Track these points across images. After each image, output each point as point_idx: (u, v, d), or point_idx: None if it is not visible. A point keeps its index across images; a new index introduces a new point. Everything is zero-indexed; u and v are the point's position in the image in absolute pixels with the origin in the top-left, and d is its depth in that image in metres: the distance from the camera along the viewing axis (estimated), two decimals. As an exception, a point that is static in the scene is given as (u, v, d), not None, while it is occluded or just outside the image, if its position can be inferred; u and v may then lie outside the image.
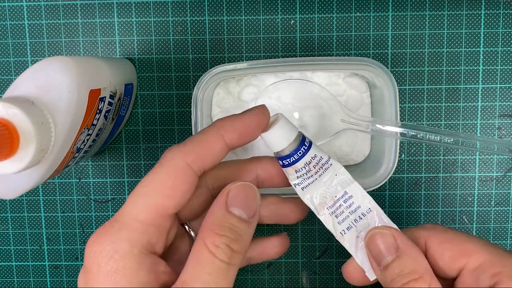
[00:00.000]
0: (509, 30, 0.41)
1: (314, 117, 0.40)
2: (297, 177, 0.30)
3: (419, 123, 0.42)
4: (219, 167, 0.31)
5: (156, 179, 0.26)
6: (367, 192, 0.30)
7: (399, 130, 0.36)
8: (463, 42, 0.41)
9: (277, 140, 0.30)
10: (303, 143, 0.30)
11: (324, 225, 0.30)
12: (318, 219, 0.30)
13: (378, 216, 0.30)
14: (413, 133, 0.35)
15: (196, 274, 0.24)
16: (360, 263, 0.30)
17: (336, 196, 0.30)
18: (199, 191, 0.30)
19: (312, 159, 0.30)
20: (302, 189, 0.31)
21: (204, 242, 0.25)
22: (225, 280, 0.24)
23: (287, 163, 0.30)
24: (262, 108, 0.29)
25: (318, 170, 0.31)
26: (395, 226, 0.29)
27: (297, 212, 0.33)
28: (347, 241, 0.30)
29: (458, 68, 0.42)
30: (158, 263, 0.26)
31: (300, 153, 0.30)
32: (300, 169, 0.30)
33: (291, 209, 0.33)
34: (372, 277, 0.29)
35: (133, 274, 0.25)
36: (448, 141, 0.35)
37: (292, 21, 0.42)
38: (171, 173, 0.26)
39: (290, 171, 0.30)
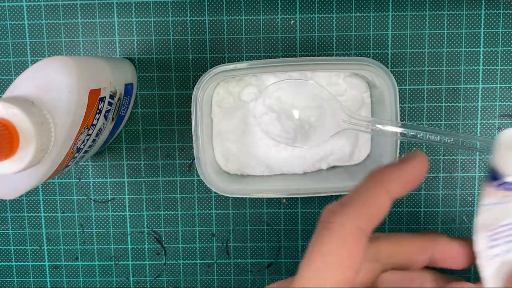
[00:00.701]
0: (509, 30, 0.41)
1: (314, 117, 0.40)
2: (503, 197, 0.25)
3: (419, 123, 0.42)
4: (393, 241, 0.29)
5: (330, 250, 0.24)
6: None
7: (399, 130, 0.36)
8: (463, 42, 0.41)
9: None
10: None
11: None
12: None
13: None
14: (413, 133, 0.35)
15: None
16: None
17: (503, 223, 0.26)
18: (371, 265, 0.28)
19: None
20: (487, 209, 0.26)
21: None
22: None
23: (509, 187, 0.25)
24: (423, 157, 0.26)
25: None
26: None
27: (465, 255, 0.29)
28: (489, 268, 0.27)
29: (458, 68, 0.42)
30: None
31: None
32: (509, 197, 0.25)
33: (459, 252, 0.29)
34: None
35: None
36: (448, 141, 0.35)
37: (292, 21, 0.42)
38: (345, 241, 0.24)
39: (495, 193, 0.25)
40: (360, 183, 0.26)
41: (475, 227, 0.26)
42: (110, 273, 0.45)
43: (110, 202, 0.44)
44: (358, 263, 0.24)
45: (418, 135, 0.35)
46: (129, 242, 0.45)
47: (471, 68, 0.42)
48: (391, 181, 0.25)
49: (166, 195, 0.44)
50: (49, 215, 0.44)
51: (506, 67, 0.42)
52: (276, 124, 0.39)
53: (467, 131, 0.42)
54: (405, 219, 0.44)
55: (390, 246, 0.28)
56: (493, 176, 0.24)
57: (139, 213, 0.44)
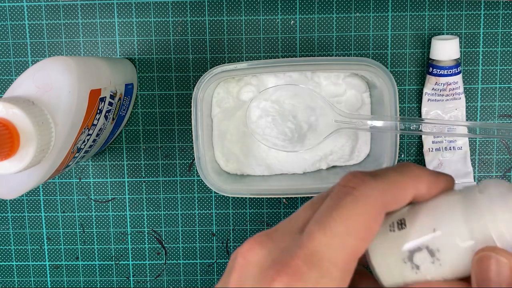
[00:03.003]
0: (509, 30, 0.41)
1: (310, 118, 0.40)
2: (432, 89, 0.39)
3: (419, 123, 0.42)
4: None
5: (351, 217, 0.23)
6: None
7: (393, 123, 0.36)
8: (463, 42, 0.41)
9: (448, 52, 0.37)
10: (457, 67, 0.37)
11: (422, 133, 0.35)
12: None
13: (463, 156, 0.39)
14: (402, 127, 0.36)
15: None
16: None
17: (445, 119, 0.38)
18: None
19: (453, 83, 0.37)
20: (428, 100, 0.39)
21: None
22: None
23: (436, 73, 0.38)
24: (452, 177, 0.26)
25: (449, 95, 0.38)
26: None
27: None
28: (430, 157, 0.40)
29: (457, 68, 0.42)
30: None
31: (450, 71, 0.36)
32: (439, 85, 0.37)
33: None
34: None
35: None
36: (433, 130, 0.36)
37: (292, 21, 0.42)
38: (367, 212, 0.23)
39: (431, 80, 0.39)
40: (395, 168, 0.25)
41: (422, 114, 0.39)
42: (110, 273, 0.45)
43: (110, 202, 0.44)
44: (372, 238, 0.23)
45: (411, 127, 0.36)
46: (129, 242, 0.45)
47: (470, 68, 0.42)
48: (424, 183, 0.25)
49: (166, 195, 0.44)
50: (50, 215, 0.44)
51: (505, 67, 0.42)
52: (272, 127, 0.39)
53: (466, 131, 0.42)
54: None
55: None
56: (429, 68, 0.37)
57: (139, 213, 0.44)
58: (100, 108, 0.34)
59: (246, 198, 0.44)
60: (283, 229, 0.25)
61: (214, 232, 0.44)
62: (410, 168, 0.25)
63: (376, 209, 0.23)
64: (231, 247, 0.45)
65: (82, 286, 0.46)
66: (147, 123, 0.43)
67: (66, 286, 0.46)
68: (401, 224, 0.24)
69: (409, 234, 0.24)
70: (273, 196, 0.39)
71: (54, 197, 0.44)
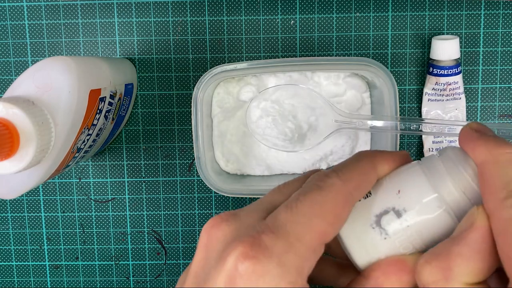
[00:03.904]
0: (509, 30, 0.41)
1: (310, 118, 0.40)
2: (432, 89, 0.39)
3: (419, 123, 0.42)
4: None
5: (318, 201, 0.23)
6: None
7: (393, 123, 0.36)
8: (463, 42, 0.41)
9: (449, 52, 0.38)
10: (457, 67, 0.37)
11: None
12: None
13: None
14: (402, 127, 0.36)
15: None
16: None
17: (445, 119, 0.39)
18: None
19: (453, 83, 0.38)
20: (428, 100, 0.40)
21: None
22: None
23: (436, 73, 0.38)
24: (407, 152, 0.28)
25: (449, 95, 0.38)
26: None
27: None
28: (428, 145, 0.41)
29: (458, 68, 0.42)
30: None
31: (450, 71, 0.37)
32: (439, 85, 0.38)
33: None
34: None
35: None
36: (433, 130, 0.36)
37: (292, 21, 0.42)
38: (333, 199, 0.24)
39: (431, 80, 0.39)
40: (351, 158, 0.26)
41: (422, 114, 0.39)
42: (110, 273, 0.45)
43: (110, 202, 0.44)
44: (341, 224, 0.24)
45: (411, 127, 0.36)
46: (129, 242, 0.45)
47: (470, 68, 0.42)
48: (381, 162, 0.26)
49: (166, 195, 0.44)
50: (50, 215, 0.44)
51: (505, 67, 0.42)
52: (272, 127, 0.39)
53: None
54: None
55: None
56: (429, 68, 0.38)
57: (139, 213, 0.44)
58: (100, 108, 0.34)
59: (246, 198, 0.44)
60: (249, 208, 0.25)
61: (214, 232, 0.44)
62: (365, 154, 0.27)
63: (342, 196, 0.24)
64: (231, 247, 0.45)
65: (82, 286, 0.46)
66: (147, 123, 0.43)
67: (66, 286, 0.46)
68: (367, 193, 0.26)
69: (375, 200, 0.25)
70: (273, 196, 0.39)
71: (54, 197, 0.44)
